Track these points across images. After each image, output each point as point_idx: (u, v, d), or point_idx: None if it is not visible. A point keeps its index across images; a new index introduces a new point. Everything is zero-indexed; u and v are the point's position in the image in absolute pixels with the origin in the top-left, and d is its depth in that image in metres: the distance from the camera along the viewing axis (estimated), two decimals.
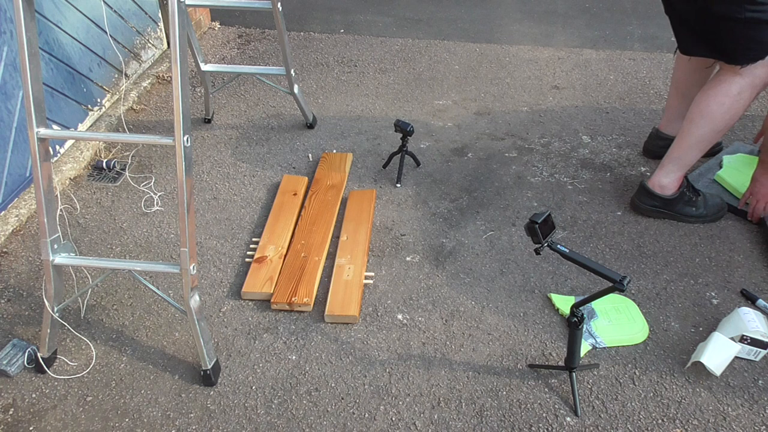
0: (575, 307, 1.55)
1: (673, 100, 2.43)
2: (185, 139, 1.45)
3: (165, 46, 3.37)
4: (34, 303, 1.95)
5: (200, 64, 2.62)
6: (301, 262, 2.04)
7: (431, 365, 1.75)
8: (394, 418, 1.62)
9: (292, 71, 2.54)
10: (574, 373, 1.65)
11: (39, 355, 1.72)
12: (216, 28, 3.74)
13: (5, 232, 2.17)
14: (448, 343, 1.82)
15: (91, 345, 1.81)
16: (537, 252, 1.53)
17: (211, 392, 1.69)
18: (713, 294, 1.97)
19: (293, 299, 1.90)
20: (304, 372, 1.74)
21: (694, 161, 2.14)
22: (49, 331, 1.68)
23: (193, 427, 1.60)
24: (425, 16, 3.97)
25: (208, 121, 2.84)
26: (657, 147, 2.51)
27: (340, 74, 3.27)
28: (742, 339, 1.72)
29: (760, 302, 1.91)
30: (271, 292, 1.94)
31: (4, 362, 1.71)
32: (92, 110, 2.72)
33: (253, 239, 2.19)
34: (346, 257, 2.07)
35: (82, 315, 1.90)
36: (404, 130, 2.39)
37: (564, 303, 1.91)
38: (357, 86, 3.16)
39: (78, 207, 2.34)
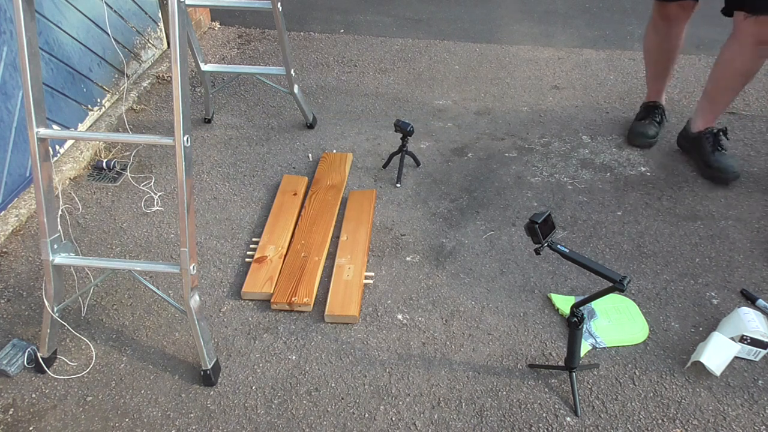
0: (575, 307, 1.55)
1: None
2: (185, 139, 1.45)
3: (165, 46, 3.37)
4: (34, 303, 1.95)
5: (200, 64, 2.62)
6: (301, 262, 2.04)
7: (431, 365, 1.75)
8: (394, 418, 1.62)
9: (292, 71, 2.54)
10: (574, 373, 1.65)
11: (39, 355, 1.72)
12: (216, 28, 3.74)
13: (5, 232, 2.17)
14: (448, 343, 1.82)
15: (91, 345, 1.81)
16: (537, 252, 1.53)
17: (211, 392, 1.69)
18: (713, 294, 1.97)
19: (293, 299, 1.90)
20: (304, 372, 1.74)
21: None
22: (48, 331, 1.68)
23: (193, 427, 1.60)
24: (425, 16, 3.97)
25: (208, 121, 2.84)
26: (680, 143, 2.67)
27: (340, 74, 3.27)
28: (742, 339, 1.72)
29: (760, 302, 1.91)
30: (271, 292, 1.94)
31: (4, 362, 1.71)
32: (92, 110, 2.72)
33: (253, 239, 2.19)
34: (346, 257, 2.07)
35: (83, 315, 1.90)
36: (404, 130, 2.39)
37: (564, 303, 1.91)
38: (357, 86, 3.16)
39: (78, 207, 2.34)
